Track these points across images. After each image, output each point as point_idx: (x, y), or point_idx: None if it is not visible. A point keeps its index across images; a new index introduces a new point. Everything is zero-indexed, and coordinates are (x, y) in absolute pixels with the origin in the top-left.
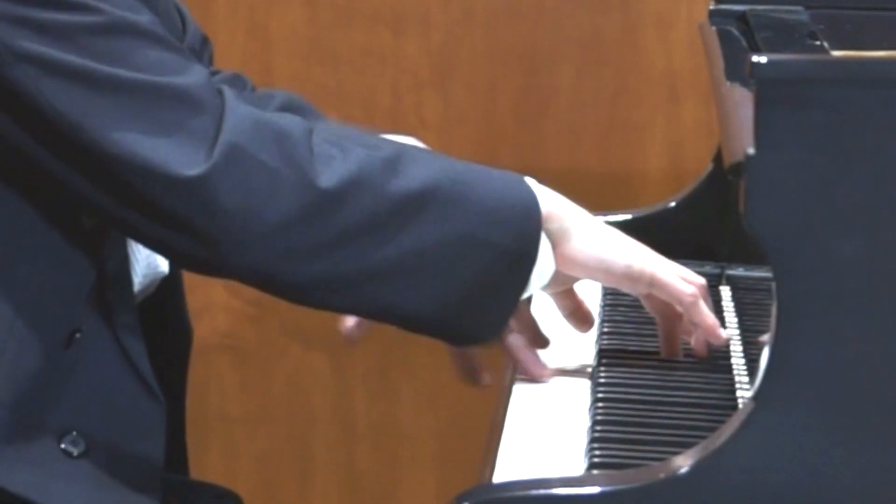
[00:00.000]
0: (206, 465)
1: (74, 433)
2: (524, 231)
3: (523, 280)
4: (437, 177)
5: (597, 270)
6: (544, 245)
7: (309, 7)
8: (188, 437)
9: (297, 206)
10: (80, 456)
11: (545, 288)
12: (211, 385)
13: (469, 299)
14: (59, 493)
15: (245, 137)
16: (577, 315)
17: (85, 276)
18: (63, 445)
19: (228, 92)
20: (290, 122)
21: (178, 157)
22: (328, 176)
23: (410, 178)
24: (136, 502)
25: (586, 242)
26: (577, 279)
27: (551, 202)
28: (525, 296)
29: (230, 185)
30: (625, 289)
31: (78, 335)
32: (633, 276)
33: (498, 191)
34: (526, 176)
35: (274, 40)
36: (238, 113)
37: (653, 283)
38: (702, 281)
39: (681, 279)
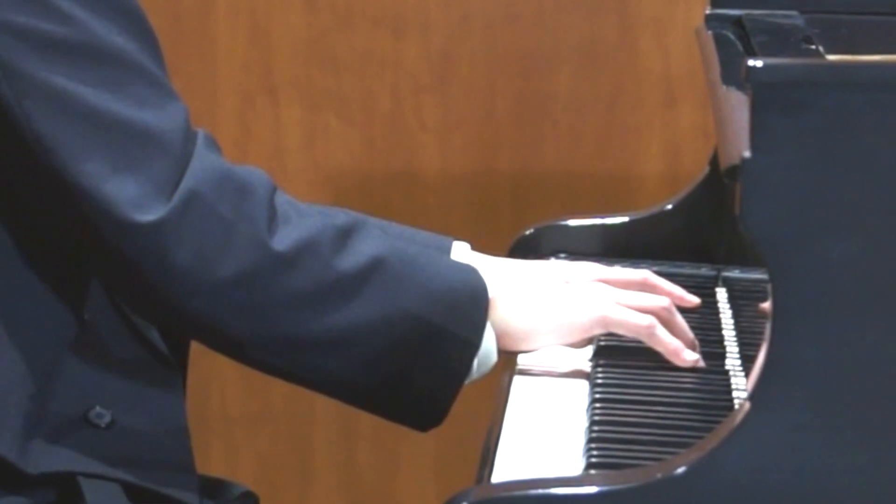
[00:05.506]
0: (206, 465)
1: (98, 407)
2: (470, 318)
3: (466, 366)
4: (385, 253)
5: (552, 337)
6: (489, 334)
7: (309, 11)
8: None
9: (248, 263)
10: (107, 427)
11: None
12: (212, 385)
13: (410, 380)
14: (96, 462)
15: (207, 187)
16: None
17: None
18: (89, 419)
19: (202, 138)
20: (256, 177)
21: (136, 200)
22: (281, 238)
23: (359, 252)
24: (170, 464)
25: (532, 319)
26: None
27: (499, 288)
28: (467, 382)
29: (184, 234)
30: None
31: (86, 317)
32: (586, 329)
33: (447, 276)
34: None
35: (275, 44)
36: (205, 161)
37: (607, 326)
38: (661, 303)
39: (634, 313)
